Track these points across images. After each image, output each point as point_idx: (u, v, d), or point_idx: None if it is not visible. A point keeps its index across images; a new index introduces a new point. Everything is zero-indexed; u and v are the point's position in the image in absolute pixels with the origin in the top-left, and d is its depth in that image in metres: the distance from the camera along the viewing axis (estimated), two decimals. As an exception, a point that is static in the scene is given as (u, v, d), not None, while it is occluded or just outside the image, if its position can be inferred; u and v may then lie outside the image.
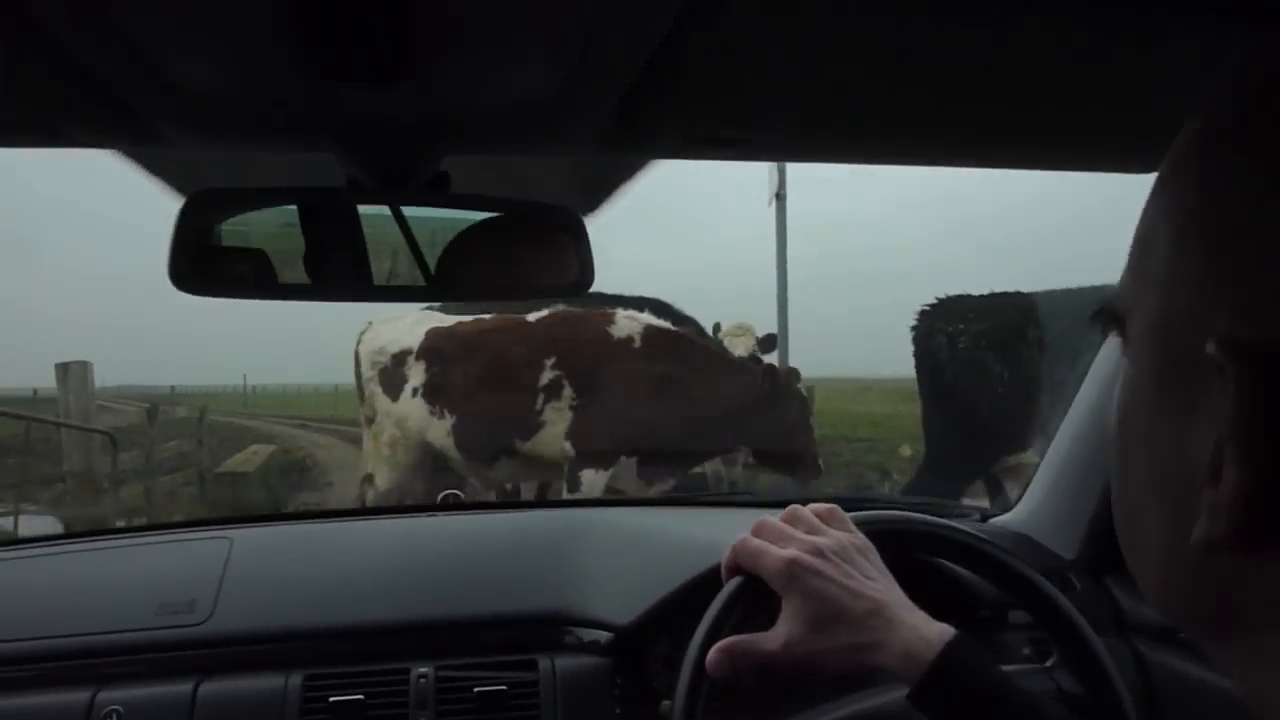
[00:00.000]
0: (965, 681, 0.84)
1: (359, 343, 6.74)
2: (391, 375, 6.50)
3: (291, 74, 0.62)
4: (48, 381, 10.67)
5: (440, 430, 6.34)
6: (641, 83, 0.67)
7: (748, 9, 0.56)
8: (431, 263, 0.89)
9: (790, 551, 0.91)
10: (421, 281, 0.90)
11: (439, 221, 0.91)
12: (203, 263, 0.79)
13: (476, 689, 1.22)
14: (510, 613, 1.31)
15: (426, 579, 1.36)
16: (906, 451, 11.90)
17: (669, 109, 0.73)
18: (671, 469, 6.59)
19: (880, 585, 0.91)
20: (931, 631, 0.86)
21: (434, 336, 6.47)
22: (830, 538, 0.94)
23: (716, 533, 1.18)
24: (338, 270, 0.87)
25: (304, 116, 0.73)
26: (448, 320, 6.58)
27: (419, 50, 0.61)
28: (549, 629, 1.30)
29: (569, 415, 6.18)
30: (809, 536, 0.93)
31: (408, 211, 0.88)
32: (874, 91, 0.70)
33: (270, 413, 31.03)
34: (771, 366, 6.60)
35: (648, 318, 6.50)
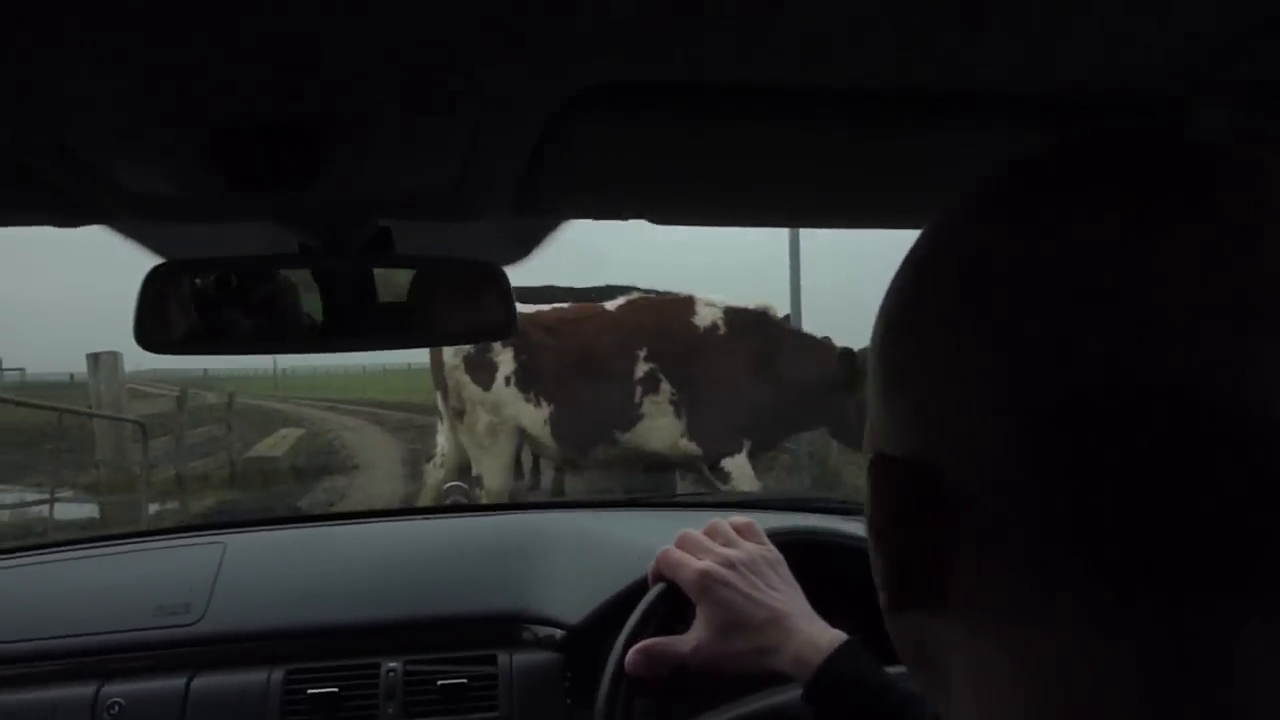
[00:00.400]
0: (847, 683, 0.94)
1: None
2: (479, 362, 6.40)
3: (219, 178, 0.74)
4: (82, 366, 10.96)
5: (537, 418, 6.33)
6: (533, 165, 0.78)
7: (612, 109, 0.66)
8: (374, 313, 1.01)
9: (705, 563, 1.02)
10: (369, 332, 1.02)
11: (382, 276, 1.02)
12: (167, 325, 0.91)
13: (440, 681, 1.35)
14: (473, 612, 1.44)
15: (399, 581, 1.49)
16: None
17: (563, 185, 0.84)
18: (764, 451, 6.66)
19: (783, 596, 1.02)
20: (824, 638, 0.97)
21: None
22: (742, 550, 1.04)
23: (660, 538, 1.29)
24: (296, 325, 0.98)
25: (240, 206, 0.84)
26: (526, 308, 6.37)
27: (324, 160, 0.72)
28: (508, 627, 1.43)
29: (670, 409, 6.18)
30: (723, 549, 1.04)
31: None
32: (744, 170, 0.81)
33: (300, 395, 31.46)
34: (848, 349, 6.51)
35: (724, 300, 6.46)
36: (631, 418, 6.21)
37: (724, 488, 6.15)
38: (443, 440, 6.93)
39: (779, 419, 6.36)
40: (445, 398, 6.67)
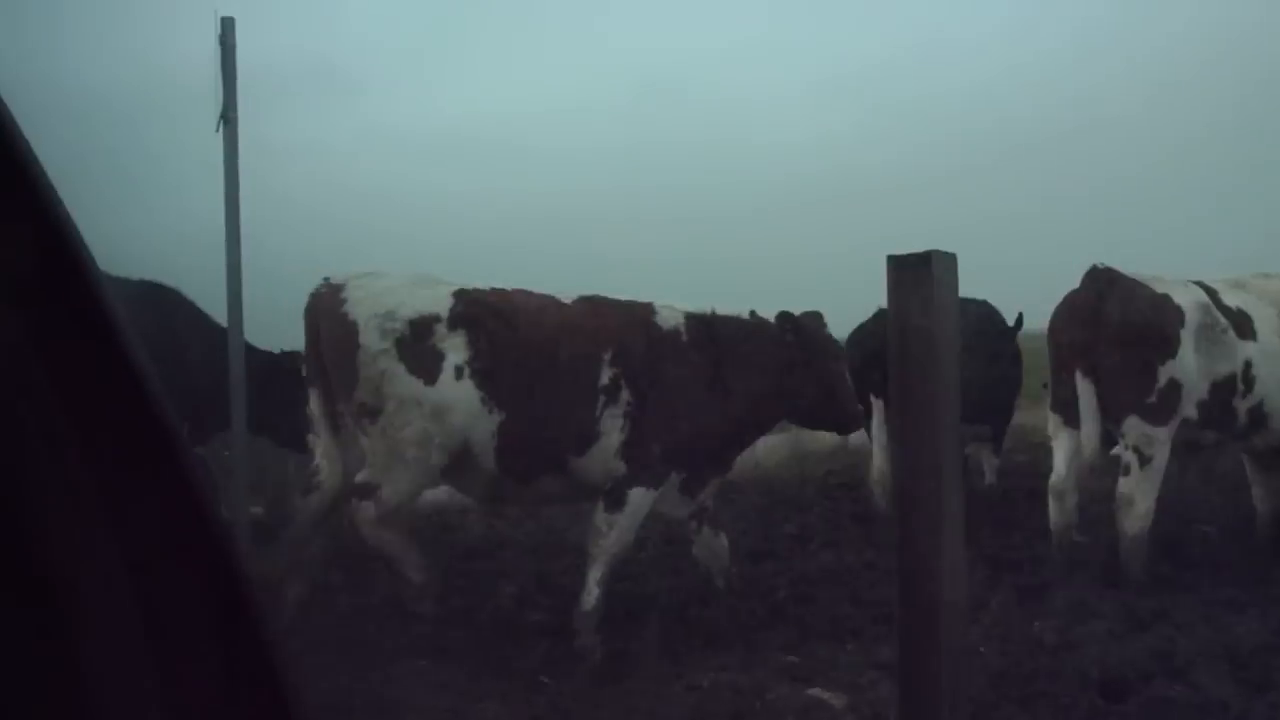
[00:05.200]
0: None
1: (344, 304, 4.76)
2: (415, 350, 4.70)
3: None
4: None
5: (485, 431, 4.76)
6: None
7: None
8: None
9: None
10: None
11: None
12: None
13: None
14: None
15: None
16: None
17: None
18: (712, 479, 5.47)
19: None
20: None
21: (471, 304, 4.85)
22: None
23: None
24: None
25: None
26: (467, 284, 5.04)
27: None
28: None
29: (622, 424, 4.95)
30: None
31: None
32: None
33: None
34: (789, 315, 5.36)
35: (682, 305, 5.36)
36: (590, 436, 4.93)
37: (607, 518, 4.97)
38: (322, 456, 4.93)
39: (727, 444, 5.35)
40: (342, 393, 4.79)
